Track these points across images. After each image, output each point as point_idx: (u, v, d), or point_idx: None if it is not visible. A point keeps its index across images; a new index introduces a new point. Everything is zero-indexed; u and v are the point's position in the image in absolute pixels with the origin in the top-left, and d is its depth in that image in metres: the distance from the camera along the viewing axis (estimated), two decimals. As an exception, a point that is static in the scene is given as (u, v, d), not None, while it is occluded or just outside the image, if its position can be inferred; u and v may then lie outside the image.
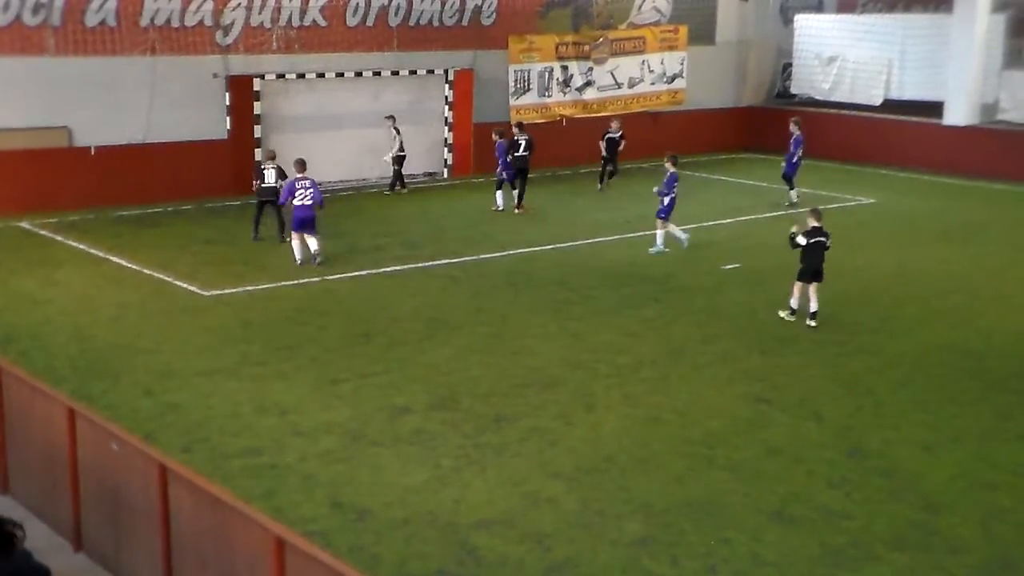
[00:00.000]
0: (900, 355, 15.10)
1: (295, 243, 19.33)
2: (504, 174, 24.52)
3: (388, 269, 19.22)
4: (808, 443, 11.99)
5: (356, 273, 18.86)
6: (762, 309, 17.12)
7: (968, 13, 30.60)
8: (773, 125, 34.50)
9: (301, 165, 19.64)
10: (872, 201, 26.64)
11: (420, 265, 19.51)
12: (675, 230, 20.91)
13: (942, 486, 10.98)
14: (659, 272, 19.30)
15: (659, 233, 20.72)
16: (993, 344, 15.60)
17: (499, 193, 24.64)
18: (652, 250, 20.59)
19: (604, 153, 27.16)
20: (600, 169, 27.48)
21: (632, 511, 10.29)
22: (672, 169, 20.71)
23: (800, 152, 25.63)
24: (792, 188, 25.62)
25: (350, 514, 10.15)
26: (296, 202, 19.23)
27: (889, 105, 32.95)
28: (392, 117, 26.35)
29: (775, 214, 24.81)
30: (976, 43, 30.68)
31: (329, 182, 26.67)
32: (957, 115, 31.23)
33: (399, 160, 26.29)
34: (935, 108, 31.70)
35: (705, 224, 23.42)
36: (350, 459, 11.33)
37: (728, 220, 24.19)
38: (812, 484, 10.96)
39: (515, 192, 24.38)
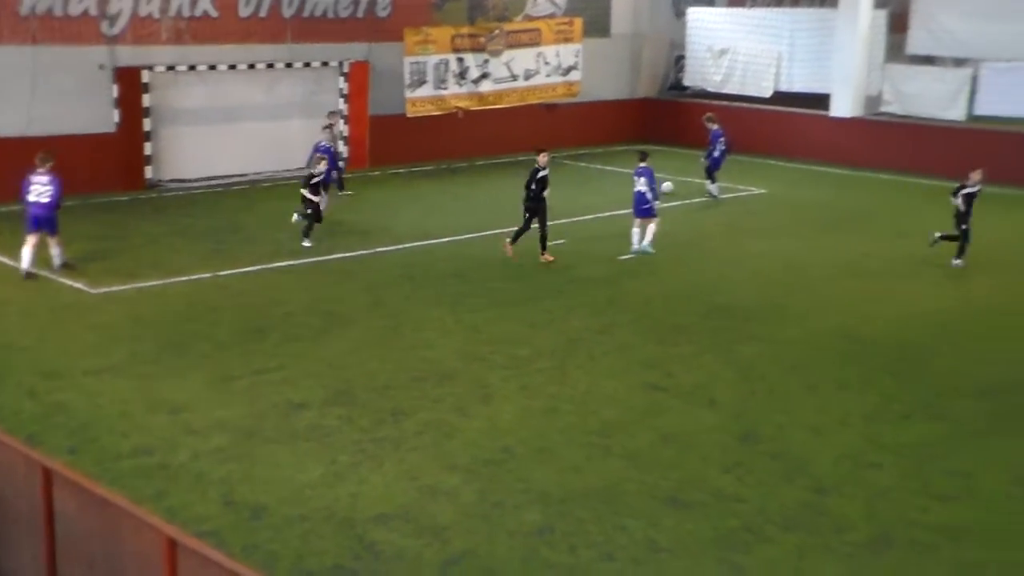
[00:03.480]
0: (791, 341, 15.39)
1: (26, 249, 17.44)
2: None
3: (283, 264, 18.99)
4: (702, 429, 12.16)
5: (250, 268, 18.60)
6: (658, 298, 17.32)
7: (851, 8, 31.32)
8: (667, 117, 35.00)
9: (42, 160, 17.89)
10: (763, 191, 27.12)
11: (315, 259, 19.31)
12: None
13: (830, 467, 11.23)
14: (557, 263, 19.39)
15: (648, 230, 20.21)
16: (877, 329, 15.99)
17: None
18: (636, 249, 20.17)
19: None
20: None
21: (530, 501, 10.33)
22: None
23: (720, 146, 25.77)
24: (713, 182, 25.78)
25: (244, 512, 10.01)
26: (31, 199, 17.60)
27: (779, 97, 33.56)
28: (335, 113, 26.06)
29: (671, 204, 25.08)
30: (859, 37, 31.40)
31: (223, 176, 26.29)
32: (843, 107, 31.94)
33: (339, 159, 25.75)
34: (823, 100, 32.40)
35: (602, 215, 23.58)
36: (244, 456, 11.17)
37: (625, 211, 24.33)
38: (706, 469, 11.11)
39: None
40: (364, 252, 19.98)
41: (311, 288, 17.50)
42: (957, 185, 20.12)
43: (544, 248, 19.23)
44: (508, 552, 9.42)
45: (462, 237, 21.31)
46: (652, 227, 20.14)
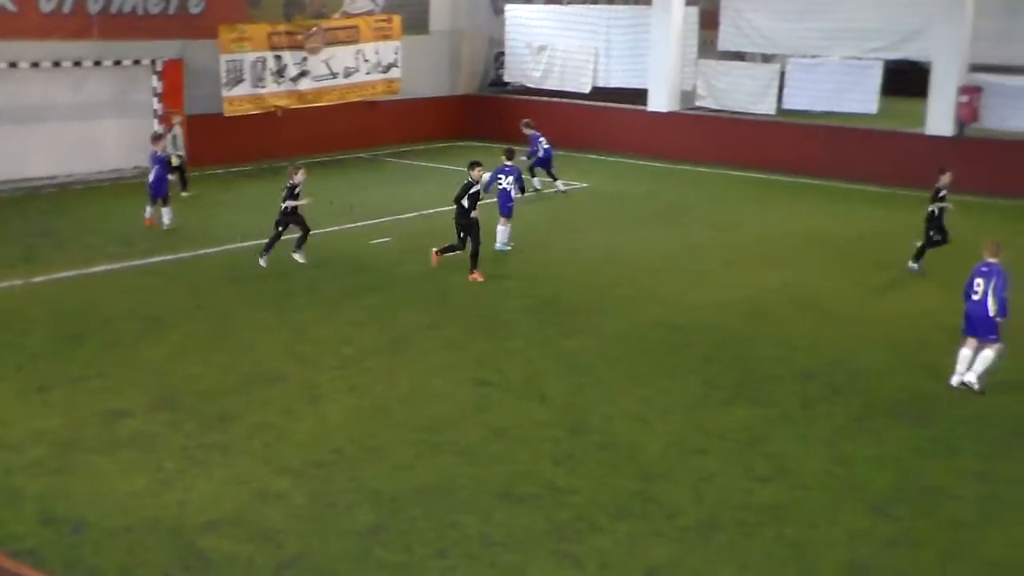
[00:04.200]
0: (616, 333, 15.69)
1: None
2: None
3: (100, 268, 18.33)
4: (532, 423, 12.28)
5: (64, 274, 17.89)
6: (485, 294, 17.42)
7: (665, 6, 32.15)
8: (488, 113, 35.23)
9: None
10: (586, 185, 27.58)
11: (134, 263, 18.71)
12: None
13: (657, 455, 11.49)
14: (382, 261, 19.30)
15: (504, 230, 20.40)
16: (698, 318, 16.44)
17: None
18: (498, 246, 20.29)
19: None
20: None
21: (362, 501, 10.25)
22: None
23: (542, 145, 26.25)
24: (555, 179, 26.32)
25: (64, 528, 9.62)
26: None
27: (598, 93, 34.18)
28: (168, 115, 25.16)
29: (494, 200, 25.25)
30: (673, 34, 32.27)
31: (31, 179, 25.22)
32: (659, 102, 32.77)
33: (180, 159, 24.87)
34: (640, 95, 33.15)
35: (425, 212, 23.58)
36: (63, 469, 10.75)
37: (448, 208, 24.38)
38: (537, 462, 11.23)
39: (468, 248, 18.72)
40: (185, 255, 19.46)
41: (130, 293, 16.95)
42: (934, 190, 19.57)
43: (475, 266, 18.13)
44: (341, 553, 9.33)
45: (285, 238, 20.93)
46: (507, 227, 20.35)
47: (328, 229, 21.60)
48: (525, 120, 27.58)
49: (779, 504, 10.42)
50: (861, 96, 30.03)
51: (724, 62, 33.64)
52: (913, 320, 16.67)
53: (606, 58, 34.08)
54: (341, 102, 30.92)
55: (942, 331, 16.03)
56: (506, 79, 36.59)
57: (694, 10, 33.10)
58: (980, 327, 13.60)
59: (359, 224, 22.00)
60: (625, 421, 12.43)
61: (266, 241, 18.74)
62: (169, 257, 19.20)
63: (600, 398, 13.13)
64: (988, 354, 13.56)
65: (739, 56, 36.30)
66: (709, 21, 33.91)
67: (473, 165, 18.35)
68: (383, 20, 32.00)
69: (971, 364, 13.65)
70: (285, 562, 9.16)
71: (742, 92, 32.18)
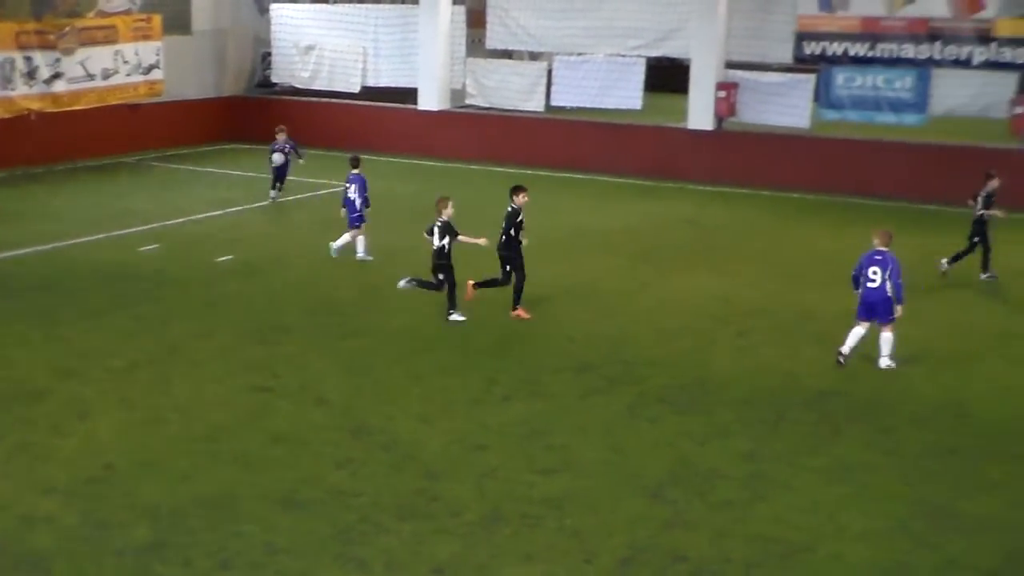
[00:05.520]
0: (394, 332, 15.69)
1: None
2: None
3: None
4: (313, 427, 12.15)
5: None
6: (259, 299, 17.12)
7: (432, 4, 32.34)
8: (256, 115, 34.57)
9: None
10: (358, 186, 27.33)
11: None
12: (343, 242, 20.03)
13: (439, 453, 11.56)
14: (150, 268, 18.68)
15: (358, 240, 19.84)
16: (477, 315, 16.59)
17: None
18: (359, 256, 19.83)
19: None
20: None
21: (138, 517, 9.90)
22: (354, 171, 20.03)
23: (285, 153, 24.97)
24: (278, 189, 25.14)
25: None
26: None
27: (369, 92, 34.06)
28: None
29: (265, 203, 24.90)
30: (440, 33, 32.51)
31: None
32: (429, 101, 32.95)
33: None
34: (411, 94, 33.22)
35: (195, 217, 22.99)
36: None
37: (218, 212, 23.90)
38: (320, 467, 11.12)
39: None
40: (-68, 268, 18.35)
41: None
42: (982, 194, 19.35)
43: (518, 301, 16.61)
44: (117, 573, 8.99)
45: (47, 247, 20.02)
46: (361, 237, 19.80)
47: (94, 237, 20.77)
48: (279, 127, 26.22)
49: (561, 495, 10.64)
50: (626, 92, 31.04)
51: (492, 60, 34.09)
52: (682, 308, 17.32)
53: (375, 57, 34.01)
54: (101, 105, 29.71)
55: (711, 319, 16.76)
56: (274, 80, 36.01)
57: (461, 9, 33.41)
58: (880, 310, 14.56)
59: (126, 231, 21.21)
60: (406, 420, 12.44)
61: None
62: (-85, 272, 18.07)
63: (380, 398, 13.10)
64: (888, 335, 14.58)
65: (507, 54, 36.89)
66: (477, 20, 34.29)
67: (517, 190, 16.49)
68: (142, 20, 30.93)
69: (859, 343, 14.67)
70: (56, 587, 8.77)
71: (511, 90, 32.72)
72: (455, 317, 16.29)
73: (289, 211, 24.30)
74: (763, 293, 18.31)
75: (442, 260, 16.45)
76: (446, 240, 16.34)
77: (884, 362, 14.66)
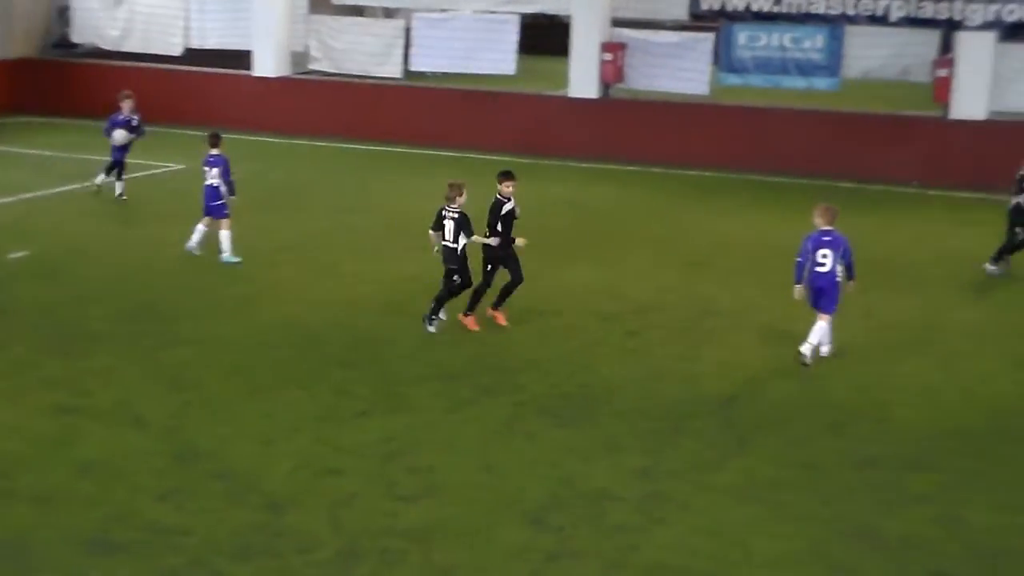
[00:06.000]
0: (229, 340, 15.50)
1: None
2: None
3: None
4: (129, 453, 11.92)
5: None
6: (63, 303, 16.77)
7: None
8: (53, 81, 33.78)
9: None
10: (183, 167, 26.90)
11: None
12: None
13: (284, 480, 11.45)
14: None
15: (223, 236, 19.21)
16: (327, 317, 16.51)
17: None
18: (190, 247, 19.35)
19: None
20: None
21: (-87, 570, 9.61)
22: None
23: (133, 128, 23.60)
24: (111, 175, 23.79)
25: None
26: None
27: (195, 56, 33.54)
28: None
29: (67, 188, 24.34)
30: (279, -14, 32.21)
31: None
32: (266, 66, 32.61)
33: None
34: (245, 58, 32.82)
35: (-19, 205, 22.42)
36: None
37: (9, 199, 23.30)
38: (138, 500, 10.91)
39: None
40: None
41: None
42: (1019, 177, 19.49)
43: (501, 302, 16.36)
44: None
45: None
46: (226, 233, 19.21)
47: None
48: (124, 92, 25.07)
49: (427, 525, 10.63)
50: (497, 55, 31.15)
51: (340, 18, 33.88)
52: (564, 305, 17.43)
53: (200, 14, 33.57)
54: None
55: (597, 317, 16.94)
56: (75, 39, 35.24)
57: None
58: (828, 298, 15.05)
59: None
60: (243, 443, 12.30)
61: None
62: None
63: (212, 418, 12.93)
64: (823, 325, 15.06)
65: (358, 11, 36.71)
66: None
67: (502, 177, 16.12)
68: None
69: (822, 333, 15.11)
70: None
71: (363, 53, 32.56)
72: (431, 328, 15.93)
73: (97, 199, 23.77)
74: (657, 286, 18.56)
75: (454, 264, 15.81)
76: (462, 240, 15.65)
77: (807, 348, 14.98)
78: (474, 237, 15.75)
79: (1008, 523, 10.99)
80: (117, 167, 23.59)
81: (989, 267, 19.72)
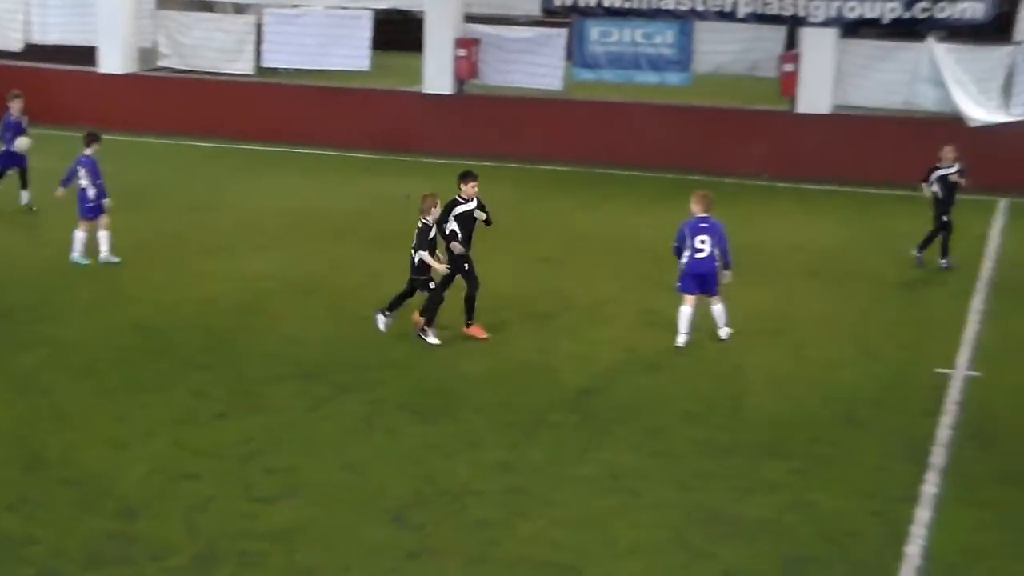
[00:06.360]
0: (78, 342, 15.19)
1: None
2: None
3: None
4: (-25, 463, 11.62)
5: None
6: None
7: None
8: None
9: None
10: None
11: None
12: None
13: (138, 485, 11.24)
14: None
15: (101, 237, 18.76)
16: (180, 318, 16.26)
17: None
18: (76, 257, 18.75)
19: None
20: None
21: None
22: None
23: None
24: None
25: None
26: None
27: (37, 52, 32.71)
28: None
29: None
30: (124, -20, 31.60)
31: None
32: (112, 62, 31.95)
33: None
34: (90, 54, 32.12)
35: None
36: None
37: None
38: (-15, 511, 10.64)
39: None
40: None
41: None
42: (928, 169, 20.02)
43: (471, 316, 15.90)
44: None
45: None
46: (105, 233, 18.74)
47: None
48: (13, 91, 23.47)
49: (288, 526, 10.53)
50: (351, 51, 31.01)
51: (190, 13, 33.47)
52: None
53: (42, 8, 32.76)
54: None
55: (454, 312, 16.93)
56: None
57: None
58: (709, 282, 15.70)
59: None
60: (95, 448, 12.05)
61: None
62: None
63: (62, 424, 12.65)
64: (720, 307, 15.85)
65: (207, 6, 36.20)
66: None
67: (466, 177, 15.94)
68: None
69: (694, 322, 15.65)
70: None
71: (213, 49, 32.13)
72: (430, 339, 15.54)
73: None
74: (515, 281, 18.64)
75: (422, 275, 15.59)
76: (424, 251, 15.40)
77: (725, 332, 15.85)
78: (422, 254, 15.43)
79: (856, 508, 11.28)
80: (22, 174, 22.58)
81: (940, 261, 20.02)
